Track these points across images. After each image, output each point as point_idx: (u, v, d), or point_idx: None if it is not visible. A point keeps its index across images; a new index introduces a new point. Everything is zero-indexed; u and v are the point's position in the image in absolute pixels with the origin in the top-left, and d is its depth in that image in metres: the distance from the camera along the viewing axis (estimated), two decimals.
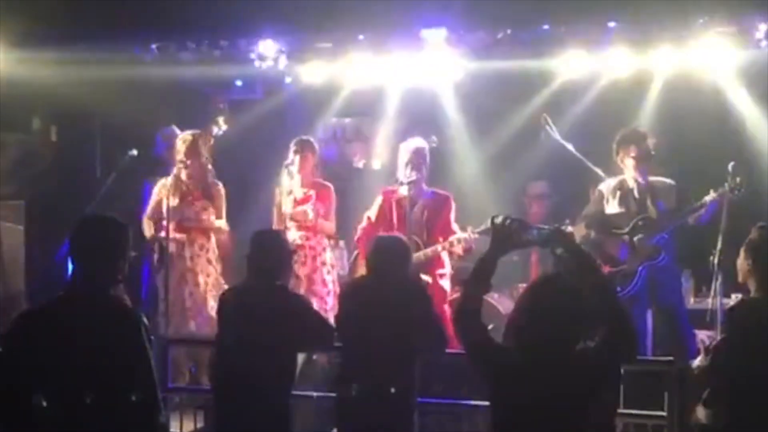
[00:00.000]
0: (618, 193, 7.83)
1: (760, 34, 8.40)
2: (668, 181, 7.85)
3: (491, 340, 4.30)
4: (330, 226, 8.46)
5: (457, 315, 4.36)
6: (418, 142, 8.18)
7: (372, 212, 8.23)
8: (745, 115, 8.85)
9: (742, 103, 8.89)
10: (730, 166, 7.46)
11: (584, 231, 7.95)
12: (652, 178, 7.81)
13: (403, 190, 7.98)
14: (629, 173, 7.81)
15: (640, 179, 7.78)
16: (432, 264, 7.94)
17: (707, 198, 7.45)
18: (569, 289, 4.13)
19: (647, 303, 7.77)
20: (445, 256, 7.99)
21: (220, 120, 9.43)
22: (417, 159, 8.02)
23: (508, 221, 4.30)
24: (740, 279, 5.07)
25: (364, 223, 8.26)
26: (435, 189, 8.19)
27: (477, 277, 4.33)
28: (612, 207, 7.85)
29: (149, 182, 8.78)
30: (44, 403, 4.27)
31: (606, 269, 7.75)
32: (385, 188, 8.30)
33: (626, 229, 7.68)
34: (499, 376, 4.17)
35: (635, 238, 7.66)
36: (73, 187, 9.62)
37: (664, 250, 7.61)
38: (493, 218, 4.35)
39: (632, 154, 7.75)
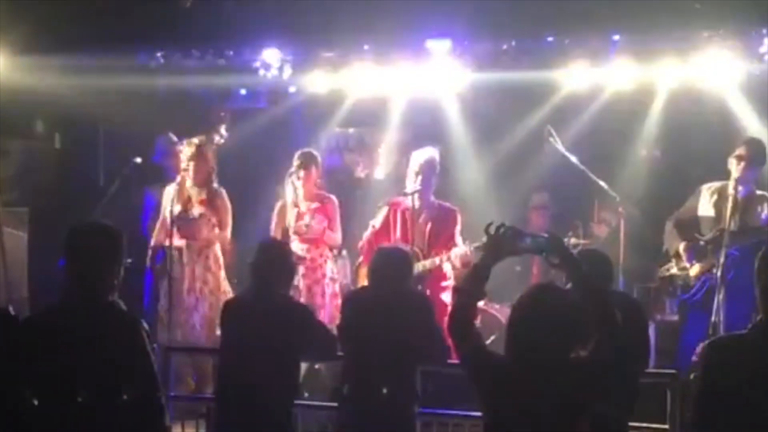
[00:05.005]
0: (715, 197, 7.71)
1: (764, 48, 8.40)
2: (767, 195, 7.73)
3: (484, 348, 4.28)
4: (334, 237, 8.44)
5: (450, 323, 4.32)
6: (430, 152, 8.16)
7: (377, 221, 8.19)
8: (748, 129, 8.81)
9: (746, 117, 8.86)
10: None
11: (670, 227, 7.92)
12: (758, 192, 7.68)
13: (409, 201, 7.97)
14: (733, 178, 7.62)
15: (740, 187, 7.58)
16: (435, 277, 7.90)
17: None
18: (562, 297, 4.11)
19: (706, 314, 7.36)
20: (448, 268, 7.93)
21: (222, 128, 9.41)
22: (427, 169, 8.00)
23: (502, 229, 4.28)
24: None
25: (368, 232, 8.22)
26: (442, 202, 8.16)
27: (470, 285, 4.30)
28: (705, 209, 7.75)
29: (150, 190, 8.79)
30: (46, 411, 4.26)
31: (670, 268, 7.85)
32: (391, 198, 8.24)
33: (707, 237, 7.61)
34: (491, 385, 4.15)
35: (709, 248, 7.56)
36: (76, 194, 9.62)
37: (736, 267, 7.24)
38: (487, 227, 4.33)
39: (737, 153, 7.62)
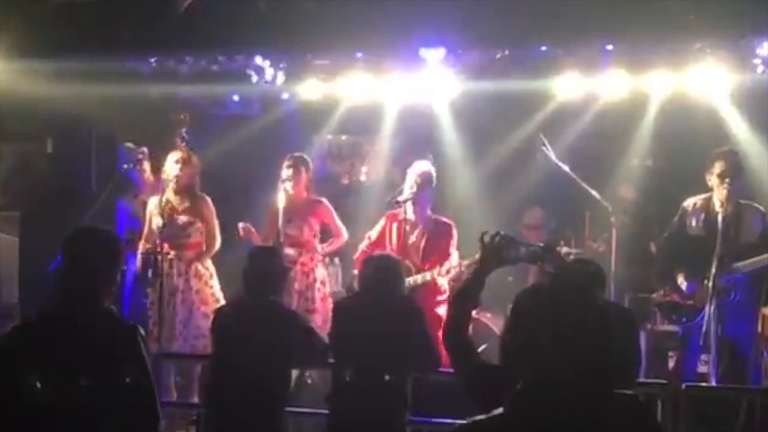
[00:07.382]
0: (702, 215, 7.51)
1: (757, 59, 8.42)
2: (758, 206, 7.52)
3: (479, 357, 4.27)
4: (340, 239, 8.62)
5: (445, 333, 4.31)
6: (426, 165, 8.19)
7: (373, 233, 8.24)
8: (740, 139, 8.83)
9: (738, 127, 8.87)
10: None
11: (661, 253, 7.77)
12: (742, 202, 7.44)
13: (404, 212, 8.02)
14: (717, 193, 7.45)
15: (726, 202, 7.36)
16: (429, 290, 7.85)
17: None
18: None
19: (711, 335, 7.15)
20: (443, 282, 7.89)
21: (183, 131, 9.07)
22: (422, 182, 8.01)
23: (497, 238, 4.27)
24: None
25: (364, 243, 8.25)
26: (438, 216, 8.17)
27: (465, 294, 4.29)
28: (694, 229, 7.54)
29: (122, 200, 8.77)
30: (35, 416, 4.24)
31: (673, 297, 7.56)
32: (389, 211, 8.25)
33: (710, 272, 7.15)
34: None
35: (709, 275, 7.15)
36: (68, 199, 9.59)
37: (738, 288, 7.25)
38: (482, 236, 4.32)
39: (717, 171, 7.42)
